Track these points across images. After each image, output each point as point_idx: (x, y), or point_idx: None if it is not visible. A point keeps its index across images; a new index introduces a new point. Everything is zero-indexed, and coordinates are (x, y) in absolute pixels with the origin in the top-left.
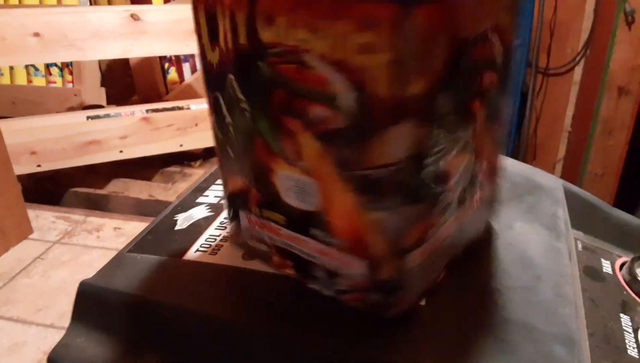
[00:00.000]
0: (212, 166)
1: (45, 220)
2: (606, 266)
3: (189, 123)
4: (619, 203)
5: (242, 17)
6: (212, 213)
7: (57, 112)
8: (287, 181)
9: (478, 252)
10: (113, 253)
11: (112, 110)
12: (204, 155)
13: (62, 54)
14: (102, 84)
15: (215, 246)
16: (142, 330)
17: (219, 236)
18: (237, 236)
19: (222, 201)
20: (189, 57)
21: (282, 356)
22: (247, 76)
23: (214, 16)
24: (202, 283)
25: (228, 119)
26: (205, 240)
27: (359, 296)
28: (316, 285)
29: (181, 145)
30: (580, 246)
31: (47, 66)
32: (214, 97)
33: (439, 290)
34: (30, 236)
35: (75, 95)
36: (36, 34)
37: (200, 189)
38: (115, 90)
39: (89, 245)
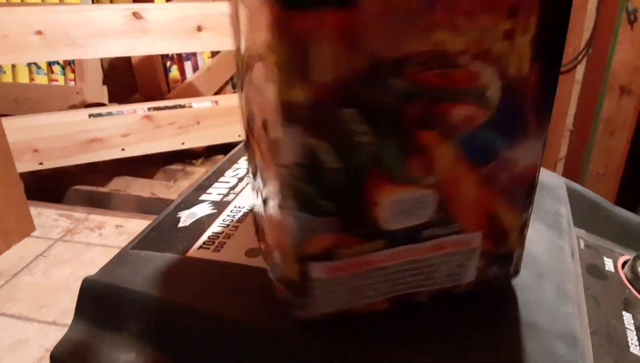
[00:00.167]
0: (214, 164)
1: (47, 218)
2: (608, 265)
3: (191, 121)
4: (620, 203)
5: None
6: (215, 211)
7: (59, 110)
8: (397, 205)
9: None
10: (115, 251)
11: (114, 108)
12: (205, 153)
13: (64, 52)
14: (104, 83)
15: (219, 243)
16: (145, 326)
17: (222, 233)
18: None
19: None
20: (191, 56)
21: (286, 355)
22: (375, 101)
23: (302, 44)
24: (206, 280)
25: (334, 164)
26: (209, 237)
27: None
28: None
29: (183, 143)
30: (582, 244)
31: (50, 64)
32: (307, 145)
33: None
34: (33, 234)
35: (77, 93)
36: (38, 32)
37: (203, 187)
38: (117, 88)
39: (91, 243)
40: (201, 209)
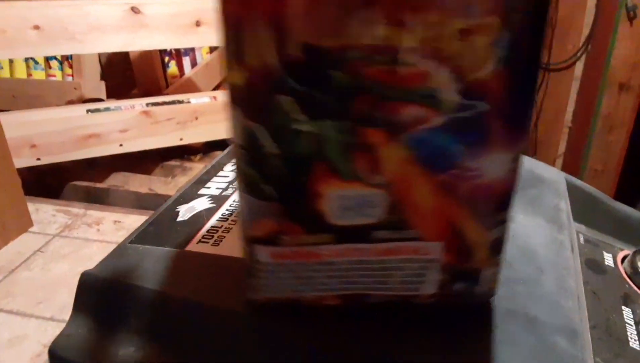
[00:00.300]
0: (212, 160)
1: (45, 213)
2: (608, 259)
3: (189, 117)
4: (619, 199)
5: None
6: (214, 205)
7: (57, 105)
8: (343, 201)
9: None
10: (113, 246)
11: (112, 103)
12: (204, 149)
13: (62, 47)
14: (102, 78)
15: (218, 237)
16: (144, 320)
17: (221, 227)
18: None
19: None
20: (189, 51)
21: (285, 348)
22: (314, 92)
23: (239, 28)
24: (205, 274)
25: (273, 150)
26: (207, 231)
27: None
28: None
29: (181, 139)
30: (582, 239)
31: (47, 60)
32: (247, 128)
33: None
34: (30, 229)
35: (75, 88)
36: (36, 27)
37: (202, 181)
38: (115, 83)
39: (89, 238)
40: (200, 203)
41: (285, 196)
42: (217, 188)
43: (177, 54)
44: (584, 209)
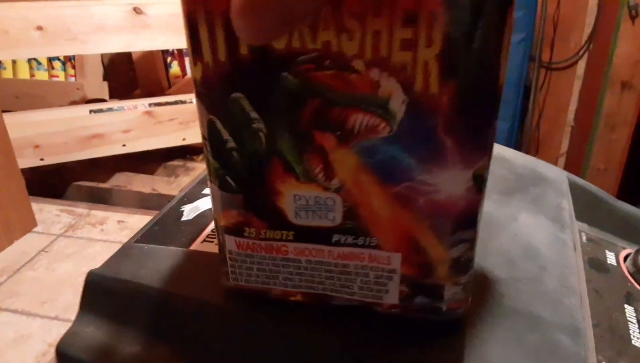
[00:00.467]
0: None
1: (49, 213)
2: (610, 258)
3: (192, 117)
4: (621, 198)
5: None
6: None
7: (59, 106)
8: (300, 201)
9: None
10: (117, 246)
11: (115, 104)
12: None
13: (64, 47)
14: (105, 78)
15: None
16: (150, 319)
17: None
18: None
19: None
20: None
21: (290, 348)
22: (265, 92)
23: (195, 24)
24: (210, 272)
25: (231, 144)
26: (212, 231)
27: None
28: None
29: (184, 139)
30: (584, 237)
31: (50, 60)
32: (208, 121)
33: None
34: (35, 229)
35: (78, 89)
36: (39, 28)
37: (206, 181)
38: (117, 84)
39: (93, 238)
40: (204, 203)
41: (247, 190)
42: None
43: (180, 55)
44: (587, 208)
